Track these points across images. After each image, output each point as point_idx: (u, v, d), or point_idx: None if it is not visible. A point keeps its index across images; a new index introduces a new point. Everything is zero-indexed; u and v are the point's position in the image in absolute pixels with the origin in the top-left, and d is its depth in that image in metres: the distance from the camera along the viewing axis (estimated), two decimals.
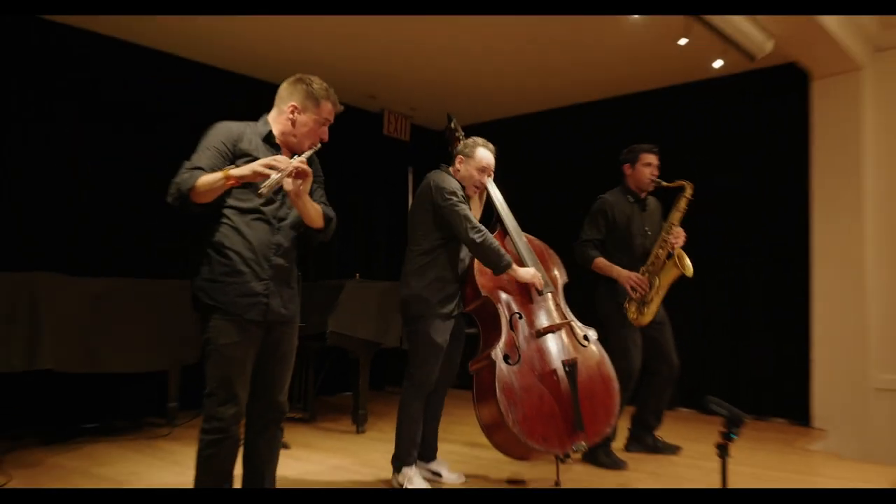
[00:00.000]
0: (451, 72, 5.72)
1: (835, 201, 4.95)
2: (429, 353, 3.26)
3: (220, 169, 2.36)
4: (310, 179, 2.40)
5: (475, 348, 3.38)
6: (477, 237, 3.17)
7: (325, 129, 2.60)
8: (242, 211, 2.45)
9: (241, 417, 2.45)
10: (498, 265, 3.20)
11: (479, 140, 3.43)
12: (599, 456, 3.81)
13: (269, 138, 2.54)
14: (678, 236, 3.84)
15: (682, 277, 3.85)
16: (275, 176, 2.26)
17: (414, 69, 5.66)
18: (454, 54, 5.33)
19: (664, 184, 3.93)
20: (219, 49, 5.23)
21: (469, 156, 3.38)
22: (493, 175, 3.45)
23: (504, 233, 3.48)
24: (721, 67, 4.72)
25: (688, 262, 3.79)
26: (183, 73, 5.39)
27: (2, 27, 4.52)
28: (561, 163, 6.62)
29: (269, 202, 2.47)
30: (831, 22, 4.31)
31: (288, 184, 2.36)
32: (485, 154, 3.38)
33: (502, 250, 3.22)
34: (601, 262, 3.87)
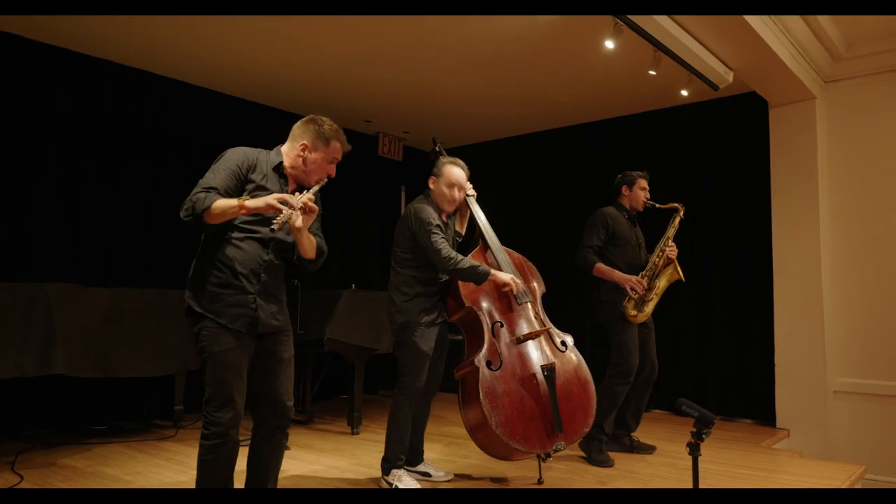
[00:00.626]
0: (441, 99, 5.73)
1: (793, 218, 4.97)
2: (416, 362, 3.23)
3: (233, 191, 2.38)
4: (314, 215, 2.40)
5: (460, 355, 3.34)
6: (450, 265, 3.15)
7: (333, 166, 2.60)
8: (240, 229, 2.43)
9: (240, 421, 2.40)
10: (477, 278, 3.19)
11: (448, 159, 3.41)
12: (593, 451, 3.79)
13: (279, 168, 2.54)
14: (673, 248, 4.02)
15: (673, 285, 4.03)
16: (286, 212, 2.26)
17: (407, 96, 5.67)
18: (444, 84, 5.34)
19: (657, 205, 4.12)
20: (226, 76, 5.21)
21: (439, 175, 3.36)
22: (465, 190, 3.41)
23: (485, 247, 3.46)
24: (688, 96, 4.76)
25: (680, 270, 4.00)
26: (190, 99, 5.36)
27: (18, 50, 4.49)
28: (541, 182, 6.62)
29: (263, 223, 2.44)
30: (785, 55, 4.38)
31: (296, 218, 2.34)
32: (453, 170, 3.35)
33: (475, 264, 3.19)
34: (602, 266, 3.93)
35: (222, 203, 2.29)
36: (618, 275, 3.89)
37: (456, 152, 3.71)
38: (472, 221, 3.53)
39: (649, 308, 3.92)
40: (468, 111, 6.05)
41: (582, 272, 4.03)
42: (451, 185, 3.33)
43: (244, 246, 2.42)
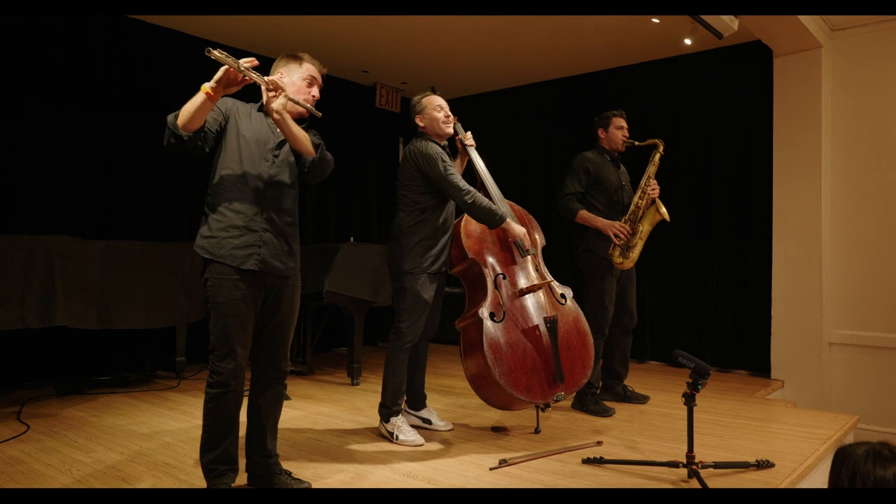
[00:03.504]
0: (440, 48, 5.62)
1: (794, 169, 4.94)
2: (415, 309, 3.24)
3: (211, 126, 2.39)
4: (284, 93, 2.37)
5: (458, 307, 3.36)
6: (468, 198, 3.16)
7: (315, 88, 2.59)
8: (234, 171, 2.42)
9: (242, 372, 2.42)
10: (492, 220, 3.20)
11: (419, 95, 3.39)
12: (588, 404, 3.84)
13: (261, 108, 2.52)
14: (655, 187, 3.93)
15: (660, 224, 3.93)
16: (240, 63, 2.24)
17: (404, 45, 5.56)
18: (442, 32, 5.24)
19: (637, 143, 4.00)
20: (218, 25, 5.08)
21: (421, 109, 3.34)
22: (450, 115, 3.39)
23: (487, 198, 3.43)
24: (692, 45, 4.67)
25: (664, 209, 3.88)
26: (180, 48, 5.23)
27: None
28: (541, 134, 6.55)
29: (261, 160, 2.45)
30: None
31: (273, 102, 2.34)
32: (432, 97, 3.36)
33: (494, 206, 3.21)
34: (585, 213, 3.87)
35: (188, 103, 2.28)
36: (600, 221, 3.82)
37: (454, 103, 3.66)
38: (473, 172, 3.50)
39: (635, 253, 3.85)
40: (467, 61, 5.95)
41: (569, 222, 3.98)
42: (439, 108, 3.33)
43: (242, 187, 2.42)
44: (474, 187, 3.48)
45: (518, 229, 3.28)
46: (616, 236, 3.79)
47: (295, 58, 2.59)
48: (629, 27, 4.98)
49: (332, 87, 6.31)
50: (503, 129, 6.68)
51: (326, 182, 6.01)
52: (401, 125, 6.88)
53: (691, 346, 5.43)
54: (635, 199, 3.91)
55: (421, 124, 3.34)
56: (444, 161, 3.20)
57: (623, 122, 4.01)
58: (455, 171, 3.23)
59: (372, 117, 6.71)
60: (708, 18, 4.36)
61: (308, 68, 2.59)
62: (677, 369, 5.15)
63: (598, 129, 4.05)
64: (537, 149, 6.56)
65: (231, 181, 2.41)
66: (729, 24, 4.47)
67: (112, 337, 4.75)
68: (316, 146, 2.56)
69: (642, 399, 4.14)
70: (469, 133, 3.52)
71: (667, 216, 3.86)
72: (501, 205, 3.39)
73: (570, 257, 4.06)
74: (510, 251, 3.33)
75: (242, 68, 2.25)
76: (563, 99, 6.34)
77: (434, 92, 3.53)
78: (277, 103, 2.34)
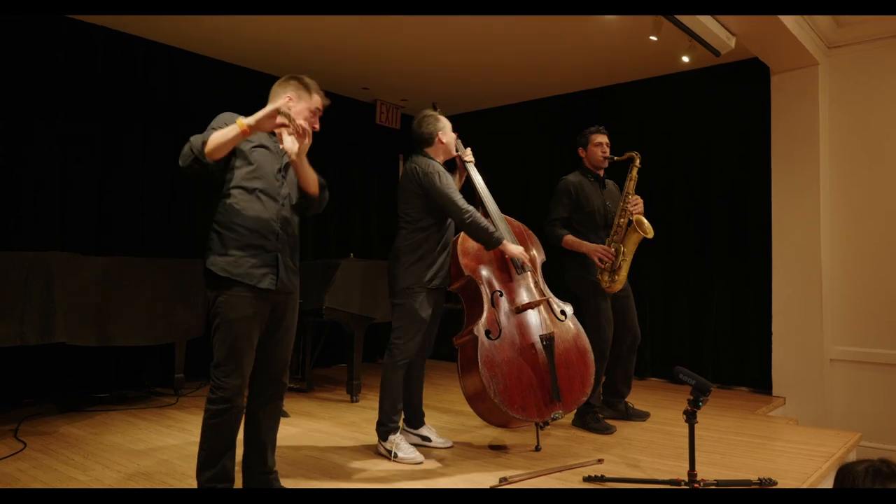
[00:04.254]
0: (440, 65, 5.65)
1: (793, 184, 4.95)
2: (412, 326, 3.24)
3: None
4: (310, 140, 2.43)
5: (457, 323, 3.35)
6: (466, 218, 3.17)
7: (317, 119, 2.62)
8: (248, 190, 2.45)
9: (245, 388, 2.44)
10: (489, 241, 3.20)
11: (428, 113, 3.43)
12: (589, 421, 3.81)
13: (271, 132, 2.54)
14: (636, 203, 3.86)
15: (647, 241, 3.88)
16: (288, 111, 2.31)
17: (405, 62, 5.59)
18: (443, 49, 5.26)
19: (616, 158, 3.95)
20: (220, 42, 5.12)
21: (441, 128, 3.37)
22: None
23: (485, 215, 3.44)
24: (689, 62, 4.70)
25: (647, 224, 3.80)
26: (184, 66, 5.28)
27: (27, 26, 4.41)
28: (540, 151, 6.58)
29: (271, 180, 2.48)
30: (789, 20, 4.32)
31: (289, 144, 2.40)
32: (443, 118, 3.42)
33: (491, 227, 3.21)
34: (570, 238, 3.84)
35: (219, 132, 2.30)
36: (585, 246, 3.79)
37: (453, 119, 3.68)
38: (471, 188, 3.51)
39: (622, 275, 3.79)
40: (467, 78, 5.98)
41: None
42: (451, 131, 3.39)
43: (255, 205, 2.44)
44: (472, 204, 3.49)
45: (514, 249, 3.27)
46: (601, 260, 3.76)
47: (305, 86, 2.59)
48: (628, 45, 5.01)
49: (332, 103, 6.36)
50: (502, 146, 6.70)
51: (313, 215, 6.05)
52: (401, 142, 6.91)
53: (692, 362, 5.40)
54: (616, 218, 3.86)
55: (440, 144, 3.36)
56: (444, 177, 3.21)
57: (602, 139, 3.96)
58: (455, 189, 3.24)
59: (372, 134, 6.74)
60: (705, 36, 4.41)
61: (317, 100, 2.61)
62: (678, 386, 5.12)
63: (578, 147, 4.03)
64: (537, 166, 6.58)
65: (245, 199, 2.43)
66: (726, 41, 4.53)
67: (111, 354, 4.74)
68: (322, 187, 2.64)
69: (643, 416, 4.12)
70: (469, 150, 3.54)
71: (648, 233, 3.77)
72: (500, 222, 3.40)
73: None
74: (508, 268, 3.33)
75: (292, 120, 2.31)
76: (563, 116, 6.36)
77: (435, 109, 3.57)
78: (303, 148, 2.42)
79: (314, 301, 4.52)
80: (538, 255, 3.55)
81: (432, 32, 4.90)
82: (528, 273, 3.37)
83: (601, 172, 4.01)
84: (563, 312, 3.40)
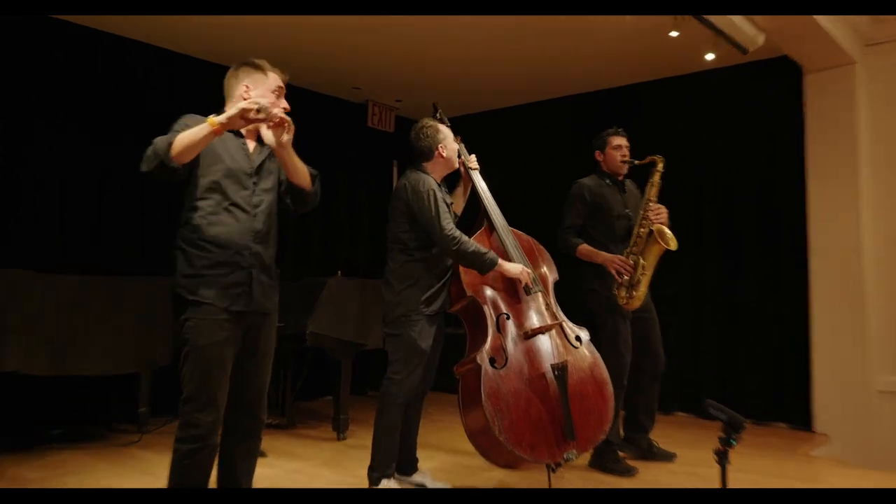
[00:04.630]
0: (438, 63, 5.67)
1: (831, 198, 4.95)
2: (411, 359, 3.22)
3: None
4: (292, 130, 2.41)
5: (458, 349, 3.32)
6: (453, 244, 3.13)
7: (283, 99, 2.61)
8: (216, 201, 2.43)
9: (220, 424, 2.41)
10: (482, 265, 3.17)
11: (429, 121, 3.44)
12: (607, 462, 3.76)
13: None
14: (659, 212, 3.86)
15: (671, 254, 3.85)
16: (263, 102, 2.28)
17: (399, 60, 5.61)
18: (440, 46, 5.29)
19: (636, 162, 3.97)
20: (194, 37, 5.13)
21: (441, 140, 3.36)
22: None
23: (490, 228, 3.43)
24: (714, 60, 4.71)
25: (669, 235, 3.79)
26: (166, 67, 5.33)
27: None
28: (549, 156, 6.59)
29: (242, 190, 2.46)
30: (822, 17, 4.32)
31: (269, 137, 2.40)
32: (444, 128, 3.42)
33: (482, 248, 3.19)
34: (585, 248, 3.85)
35: (188, 132, 2.27)
36: (601, 256, 3.79)
37: (453, 122, 3.68)
38: (474, 198, 3.50)
39: (641, 290, 3.78)
40: (468, 78, 5.99)
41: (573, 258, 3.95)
42: (455, 139, 3.40)
43: (225, 219, 2.43)
44: (476, 215, 3.47)
45: (513, 268, 3.24)
46: (618, 273, 3.75)
47: (256, 67, 2.59)
48: (645, 42, 5.02)
49: (319, 104, 6.41)
50: (507, 150, 6.69)
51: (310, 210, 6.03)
52: (395, 147, 6.92)
53: (722, 394, 5.34)
54: (636, 227, 3.86)
55: (441, 155, 3.36)
56: (433, 198, 3.18)
57: (621, 141, 4.00)
58: (446, 212, 3.19)
59: (363, 138, 6.75)
60: (731, 32, 4.41)
61: (274, 78, 2.60)
62: (707, 422, 5.06)
63: (594, 151, 4.06)
64: (546, 172, 6.58)
65: (213, 212, 2.42)
66: (754, 38, 4.52)
67: (66, 384, 4.68)
68: (313, 177, 2.64)
69: (669, 456, 4.06)
70: (473, 156, 3.53)
71: (671, 245, 3.76)
72: (507, 236, 3.38)
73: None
74: (516, 288, 3.30)
75: (269, 112, 2.29)
76: (575, 118, 6.38)
77: (436, 112, 3.56)
78: (286, 138, 2.40)
79: (296, 325, 4.48)
80: (550, 274, 3.52)
81: (430, 27, 4.91)
82: (539, 293, 3.34)
83: (619, 177, 4.02)
84: (578, 338, 3.36)
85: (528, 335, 3.22)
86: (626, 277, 3.75)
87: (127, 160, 4.86)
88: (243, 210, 2.46)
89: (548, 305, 3.36)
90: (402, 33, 5.05)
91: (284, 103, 2.60)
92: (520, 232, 3.52)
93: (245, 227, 2.45)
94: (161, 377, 4.77)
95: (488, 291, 3.26)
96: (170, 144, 2.26)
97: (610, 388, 3.34)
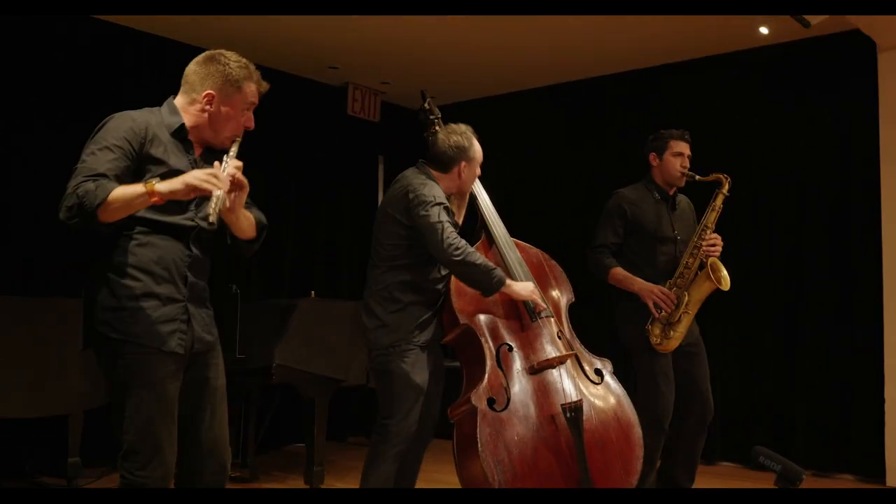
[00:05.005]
0: (431, 39, 5.71)
1: None
2: (406, 397, 3.23)
3: (125, 176, 2.34)
4: (246, 190, 2.42)
5: (455, 386, 3.36)
6: (456, 255, 3.13)
7: (250, 114, 2.60)
8: (146, 222, 2.42)
9: (170, 480, 2.42)
10: (489, 285, 3.18)
11: (468, 132, 3.42)
12: None
13: (180, 132, 2.51)
14: (714, 242, 3.87)
15: (717, 293, 3.87)
16: (217, 194, 2.25)
17: (385, 34, 5.63)
18: (434, 18, 5.28)
19: (697, 177, 3.97)
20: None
21: (471, 157, 3.37)
22: None
23: (490, 241, 3.47)
24: (767, 35, 4.72)
25: (724, 273, 3.82)
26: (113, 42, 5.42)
27: None
28: (565, 152, 6.66)
29: (178, 211, 2.45)
30: None
31: (217, 202, 2.33)
32: (479, 147, 3.42)
33: (491, 265, 3.21)
34: (619, 272, 3.88)
35: (123, 192, 2.24)
36: (637, 284, 3.82)
37: (448, 110, 3.71)
38: (472, 207, 3.55)
39: (680, 331, 3.82)
40: (465, 57, 6.05)
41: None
42: (479, 164, 3.42)
43: (158, 242, 2.43)
44: (476, 227, 3.50)
45: (522, 289, 3.27)
46: (656, 306, 3.78)
47: (231, 79, 2.51)
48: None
49: (288, 87, 6.42)
50: (510, 145, 6.68)
51: (278, 216, 6.08)
52: (381, 139, 6.96)
53: (776, 441, 5.36)
54: (685, 256, 3.89)
55: (464, 174, 3.39)
56: (442, 207, 3.20)
57: (684, 148, 4.00)
58: (450, 223, 3.20)
59: (342, 129, 6.78)
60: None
61: (250, 93, 2.56)
62: (758, 473, 5.09)
63: (650, 153, 4.06)
64: (557, 169, 6.67)
65: (146, 236, 2.42)
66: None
67: None
68: (260, 229, 2.64)
69: None
70: None
71: (724, 284, 3.80)
72: (509, 250, 3.42)
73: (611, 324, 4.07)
74: (519, 312, 3.34)
75: (223, 182, 2.28)
76: (590, 106, 6.47)
77: (424, 99, 3.60)
78: (240, 200, 2.42)
79: (261, 357, 4.51)
80: (563, 295, 3.56)
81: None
82: (549, 319, 3.38)
83: (672, 190, 4.05)
84: (597, 372, 3.40)
85: (535, 369, 3.26)
86: (663, 313, 3.79)
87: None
88: (182, 232, 2.47)
89: (560, 333, 3.40)
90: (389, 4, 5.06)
91: (249, 121, 2.59)
92: (526, 245, 3.56)
93: (181, 252, 2.47)
94: (95, 420, 4.80)
95: (486, 318, 3.29)
96: (100, 205, 2.21)
97: (638, 432, 3.36)
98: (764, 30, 4.71)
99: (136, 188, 2.25)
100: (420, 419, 3.30)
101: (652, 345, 3.81)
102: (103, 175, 2.28)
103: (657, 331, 3.81)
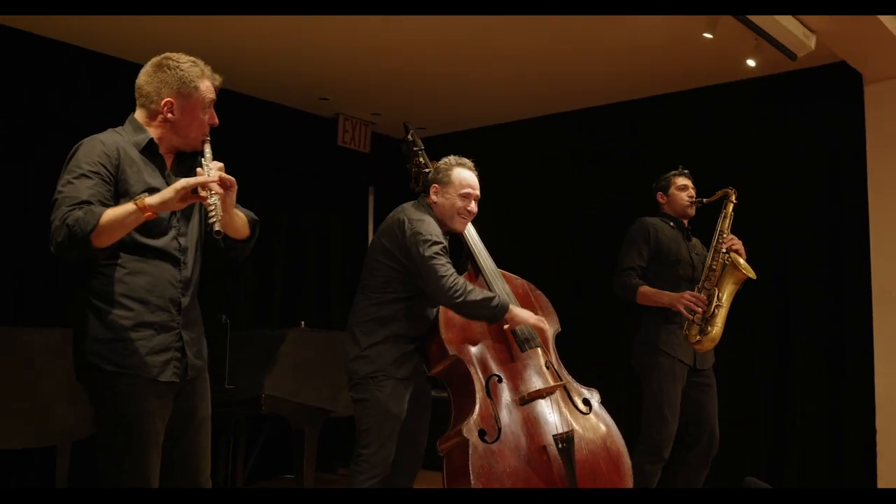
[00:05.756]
0: (422, 70, 5.73)
1: None
2: (382, 428, 3.23)
3: (107, 201, 2.31)
4: (235, 188, 2.38)
5: (443, 418, 3.34)
6: (457, 298, 3.13)
7: (211, 111, 2.55)
8: (139, 251, 2.40)
9: None
10: (492, 314, 3.21)
11: (454, 159, 3.44)
12: None
13: (150, 148, 2.48)
14: (733, 242, 4.08)
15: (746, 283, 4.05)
16: (213, 201, 2.23)
17: (377, 65, 5.65)
18: (426, 48, 5.34)
19: (705, 200, 4.25)
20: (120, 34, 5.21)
21: (445, 182, 3.37)
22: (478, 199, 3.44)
23: (476, 271, 3.49)
24: (755, 68, 4.78)
25: (745, 262, 4.00)
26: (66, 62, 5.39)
27: None
28: (554, 182, 6.67)
29: (162, 232, 2.44)
30: (889, 16, 4.38)
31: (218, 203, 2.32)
32: (465, 175, 3.40)
33: (489, 294, 3.23)
34: (647, 289, 4.02)
35: (113, 214, 2.21)
36: (668, 297, 3.97)
37: (439, 141, 3.72)
38: (456, 237, 3.55)
39: (717, 327, 3.95)
40: (459, 88, 6.06)
41: (625, 304, 4.11)
42: (467, 195, 3.37)
43: (147, 268, 2.41)
44: (460, 256, 3.51)
45: (525, 315, 3.30)
46: (688, 310, 3.89)
47: (186, 81, 2.48)
48: (672, 47, 5.09)
49: (279, 118, 6.47)
50: (503, 176, 6.69)
51: (267, 244, 6.06)
52: (371, 170, 6.98)
53: (768, 467, 5.36)
54: (709, 260, 4.07)
55: (435, 199, 3.39)
56: (438, 248, 3.20)
57: (686, 182, 4.30)
58: (449, 265, 3.20)
59: (332, 159, 6.80)
60: (777, 34, 4.48)
61: (207, 90, 2.52)
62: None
63: (656, 193, 4.35)
64: (544, 200, 6.68)
65: (135, 263, 2.40)
66: (804, 40, 4.59)
67: None
68: (253, 226, 2.62)
69: None
70: None
71: (750, 272, 3.96)
72: (496, 280, 3.43)
73: (614, 351, 4.12)
74: (508, 343, 3.35)
75: (211, 187, 2.25)
76: (582, 137, 6.50)
77: (407, 131, 3.62)
78: (230, 200, 2.38)
79: (250, 387, 4.49)
80: (550, 326, 3.56)
81: (415, 27, 4.92)
82: (538, 349, 3.37)
83: (685, 221, 4.28)
84: (585, 402, 3.41)
85: (525, 400, 3.26)
86: (697, 314, 3.91)
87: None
88: (172, 257, 2.46)
89: (548, 364, 3.41)
90: (378, 31, 5.04)
91: (213, 117, 2.54)
92: (512, 275, 3.58)
93: (173, 277, 2.45)
94: (81, 451, 4.75)
95: (474, 349, 3.30)
96: (93, 230, 2.18)
97: (627, 462, 3.37)
98: (751, 62, 4.75)
99: (127, 207, 2.22)
100: (406, 452, 3.31)
101: (671, 369, 3.91)
102: (86, 202, 2.25)
103: (695, 331, 3.95)
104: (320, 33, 5.08)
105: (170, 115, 2.48)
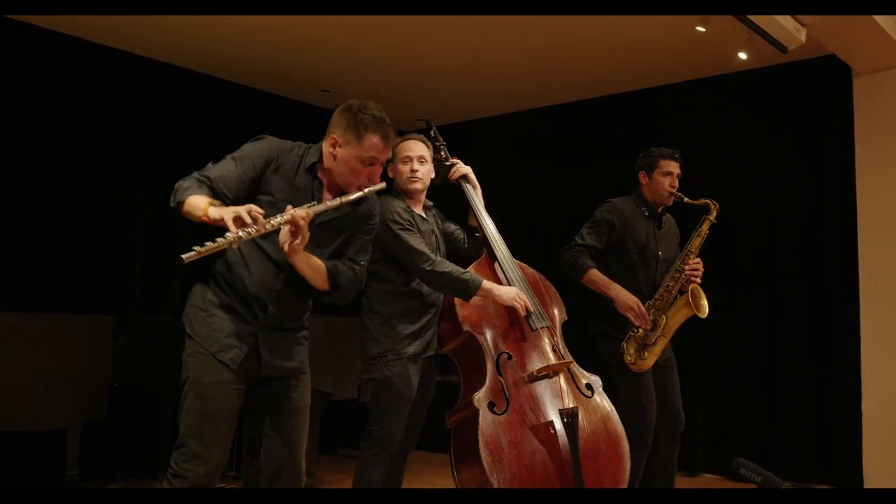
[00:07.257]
0: (427, 59, 5.75)
1: (886, 221, 5.02)
2: (393, 405, 3.28)
3: (237, 188, 2.51)
4: (304, 239, 2.44)
5: (449, 400, 3.39)
6: (425, 265, 3.22)
7: (374, 169, 2.66)
8: (256, 245, 2.56)
9: (214, 480, 2.51)
10: (465, 290, 3.25)
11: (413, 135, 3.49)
12: None
13: (312, 168, 2.66)
14: (696, 267, 3.90)
15: (693, 319, 3.89)
16: (228, 235, 2.27)
17: (380, 55, 5.67)
18: (429, 38, 5.35)
19: (686, 200, 4.00)
20: (143, 34, 5.24)
21: (394, 155, 3.40)
22: (427, 161, 3.46)
23: (492, 257, 3.53)
24: (746, 60, 4.80)
25: (704, 302, 3.85)
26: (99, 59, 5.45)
27: None
28: (549, 175, 6.72)
29: (274, 242, 2.52)
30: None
31: (285, 234, 2.43)
32: (405, 143, 3.44)
33: (460, 270, 3.28)
34: (596, 274, 3.85)
35: (193, 201, 2.38)
36: (615, 290, 3.79)
37: (447, 129, 3.77)
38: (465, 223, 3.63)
39: (654, 353, 3.83)
40: (462, 78, 6.10)
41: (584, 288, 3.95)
42: (407, 159, 3.43)
43: (253, 266, 2.57)
44: (477, 243, 3.56)
45: (506, 293, 3.31)
46: (635, 322, 3.78)
47: (354, 126, 2.63)
48: (664, 40, 5.14)
49: (280, 109, 6.46)
50: (505, 166, 6.76)
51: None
52: None
53: (758, 452, 5.43)
54: (666, 279, 3.90)
55: (390, 175, 3.45)
56: (399, 219, 3.28)
57: (673, 167, 3.98)
58: (414, 235, 3.28)
59: None
60: (768, 27, 4.52)
61: (370, 146, 2.64)
62: (739, 484, 5.12)
63: (639, 170, 4.07)
64: (539, 192, 6.73)
65: (247, 255, 2.57)
66: (794, 34, 4.63)
67: None
68: (334, 285, 2.67)
69: None
70: (459, 163, 3.64)
71: (703, 311, 3.82)
72: (512, 269, 3.48)
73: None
74: (519, 324, 3.40)
75: (264, 223, 2.34)
76: (580, 127, 6.55)
77: (429, 128, 3.66)
78: (296, 243, 2.45)
79: None
80: (558, 314, 3.61)
81: (417, 18, 4.93)
82: (546, 330, 3.43)
83: (660, 209, 4.05)
84: (588, 386, 3.45)
85: (533, 377, 3.31)
86: (639, 332, 3.81)
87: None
88: (274, 265, 2.58)
89: (555, 346, 3.46)
90: (382, 28, 5.08)
91: (375, 175, 2.67)
92: (524, 265, 3.62)
93: (269, 283, 2.58)
94: (93, 434, 4.77)
95: (487, 327, 3.36)
96: (180, 204, 2.39)
97: (625, 444, 3.41)
98: (742, 55, 4.79)
99: (201, 203, 2.37)
100: (406, 426, 3.35)
101: (625, 363, 3.82)
102: (208, 178, 2.47)
103: (632, 350, 3.82)
104: (322, 24, 5.08)
105: (332, 149, 2.64)
